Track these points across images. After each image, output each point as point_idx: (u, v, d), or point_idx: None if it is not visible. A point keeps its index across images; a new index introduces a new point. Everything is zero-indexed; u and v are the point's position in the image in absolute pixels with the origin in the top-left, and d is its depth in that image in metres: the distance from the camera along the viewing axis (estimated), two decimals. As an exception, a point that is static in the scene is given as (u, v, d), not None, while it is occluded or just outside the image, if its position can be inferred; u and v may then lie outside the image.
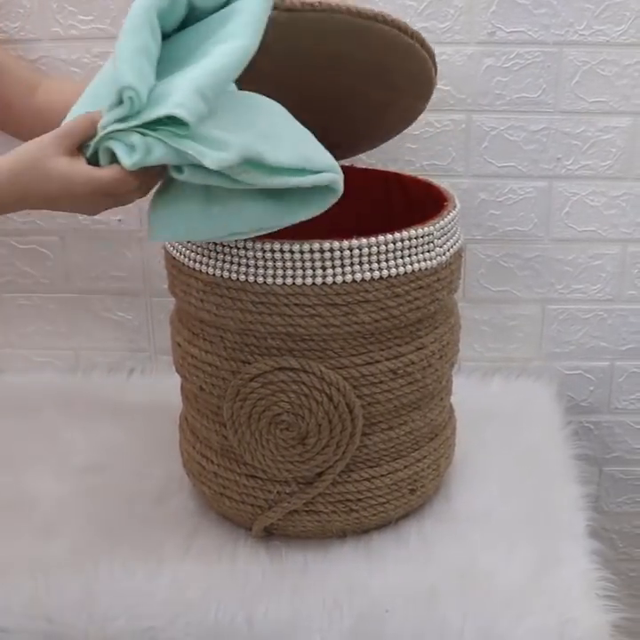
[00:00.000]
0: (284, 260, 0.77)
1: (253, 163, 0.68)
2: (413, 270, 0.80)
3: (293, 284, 0.77)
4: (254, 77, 0.75)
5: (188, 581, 0.83)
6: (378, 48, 0.82)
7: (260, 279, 0.78)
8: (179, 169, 0.68)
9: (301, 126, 0.75)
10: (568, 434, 1.09)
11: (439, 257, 0.82)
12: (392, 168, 1.07)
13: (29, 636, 0.80)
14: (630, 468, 1.26)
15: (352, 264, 0.77)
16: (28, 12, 1.04)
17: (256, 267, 0.77)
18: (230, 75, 0.67)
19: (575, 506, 0.95)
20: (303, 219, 0.74)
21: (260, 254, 0.77)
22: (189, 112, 0.64)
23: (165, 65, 0.70)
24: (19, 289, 1.19)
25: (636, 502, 1.28)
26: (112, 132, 0.66)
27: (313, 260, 0.77)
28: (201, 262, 0.80)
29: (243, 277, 0.78)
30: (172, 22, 0.72)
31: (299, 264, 0.77)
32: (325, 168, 0.72)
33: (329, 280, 0.77)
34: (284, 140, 0.72)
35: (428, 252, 0.81)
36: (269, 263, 0.77)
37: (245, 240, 0.77)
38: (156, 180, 0.72)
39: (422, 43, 0.83)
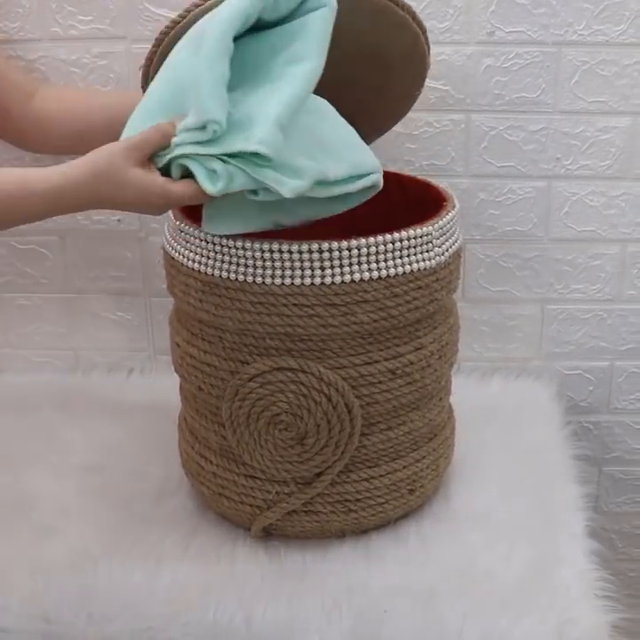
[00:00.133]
0: (282, 261, 0.77)
1: (319, 182, 0.73)
2: (412, 270, 0.80)
3: (292, 284, 0.77)
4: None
5: (186, 581, 0.83)
6: (370, 21, 0.82)
7: (259, 279, 0.78)
8: (254, 192, 0.72)
9: (349, 127, 0.79)
10: (567, 434, 1.08)
11: (438, 257, 0.82)
12: (391, 168, 1.06)
13: (28, 636, 0.80)
14: (630, 468, 1.25)
15: (351, 264, 0.77)
16: (27, 12, 1.04)
17: (255, 267, 0.77)
18: (303, 100, 0.71)
19: (574, 506, 0.95)
20: (345, 209, 0.79)
21: (258, 254, 0.77)
22: (271, 148, 0.68)
23: (234, 72, 0.72)
24: (18, 289, 1.19)
25: (635, 502, 1.28)
26: (191, 154, 0.70)
27: (311, 261, 0.77)
28: (200, 262, 0.80)
29: (241, 277, 0.78)
30: (240, 33, 0.73)
31: (297, 264, 0.77)
32: (371, 170, 0.78)
33: (328, 280, 0.77)
34: (340, 151, 0.76)
35: (427, 252, 0.81)
36: (268, 263, 0.77)
37: (244, 240, 0.77)
38: None
39: (414, 16, 0.84)
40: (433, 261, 0.81)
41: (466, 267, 1.14)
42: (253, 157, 0.69)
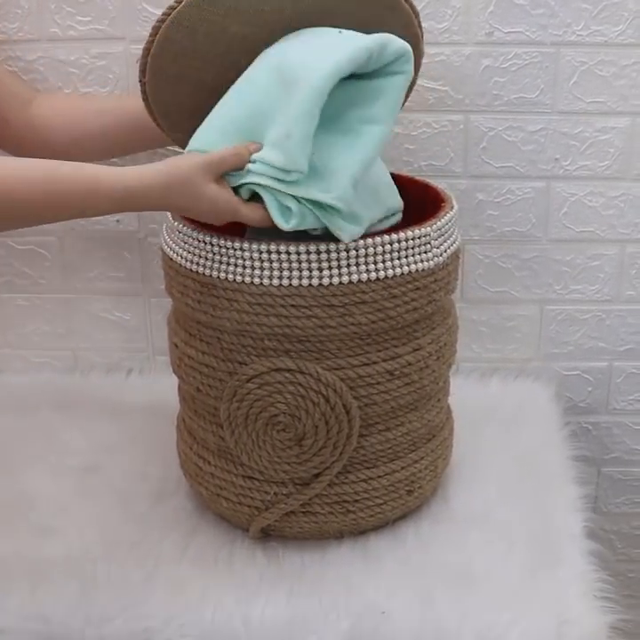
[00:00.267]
0: (280, 262, 0.77)
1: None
2: (410, 271, 0.80)
3: (290, 285, 0.77)
4: (250, 46, 0.82)
5: (184, 582, 0.83)
6: (360, 4, 0.83)
7: (257, 280, 0.78)
8: (315, 229, 0.78)
9: (385, 170, 0.88)
10: (566, 435, 1.08)
11: (436, 258, 0.82)
12: (390, 169, 1.06)
13: (26, 637, 0.80)
14: (629, 469, 1.25)
15: (349, 265, 0.77)
16: (26, 13, 1.04)
17: (252, 268, 0.77)
18: (374, 161, 0.79)
19: (573, 507, 0.95)
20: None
21: (256, 255, 0.77)
22: (345, 204, 0.76)
23: None
24: (17, 289, 1.18)
25: (634, 503, 1.28)
26: (268, 186, 0.76)
27: (309, 262, 0.77)
28: (197, 263, 0.80)
29: (239, 278, 0.78)
30: None
31: (295, 265, 0.77)
32: (396, 210, 0.86)
33: (325, 281, 0.77)
34: (382, 194, 0.85)
35: (425, 253, 0.81)
36: (266, 264, 0.77)
37: (242, 241, 0.78)
38: None
39: None
40: (431, 262, 0.81)
41: (465, 267, 1.14)
42: (327, 207, 0.76)
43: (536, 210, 1.11)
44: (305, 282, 0.77)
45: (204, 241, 0.79)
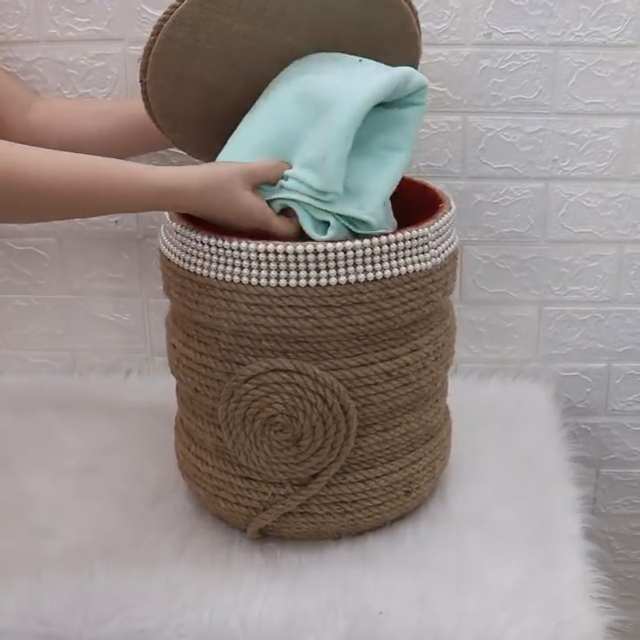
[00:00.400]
0: (277, 262, 0.77)
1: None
2: (408, 272, 0.80)
3: (287, 285, 0.77)
4: (252, 44, 0.83)
5: (182, 583, 0.83)
6: (359, 2, 0.84)
7: (254, 280, 0.78)
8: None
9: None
10: (565, 435, 1.08)
11: (434, 258, 0.82)
12: (388, 169, 1.07)
13: (24, 637, 0.80)
14: (627, 470, 1.25)
15: (346, 266, 0.77)
16: (24, 14, 1.04)
17: (250, 268, 0.77)
18: (396, 184, 0.85)
19: (571, 508, 0.94)
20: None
21: (253, 256, 0.77)
22: (376, 219, 0.82)
23: None
24: (15, 290, 1.19)
25: (633, 504, 1.28)
26: (303, 202, 0.80)
27: (307, 262, 0.77)
28: (195, 264, 0.80)
29: (237, 279, 0.78)
30: None
31: (293, 265, 0.77)
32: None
33: (323, 281, 0.77)
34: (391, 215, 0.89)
35: (423, 253, 0.81)
36: (263, 265, 0.77)
37: (239, 241, 0.78)
38: None
39: None
40: (429, 263, 0.81)
41: (463, 268, 1.14)
42: (360, 222, 0.81)
43: (534, 211, 1.11)
44: (302, 282, 0.77)
45: (201, 241, 0.79)
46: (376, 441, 0.85)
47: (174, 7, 0.80)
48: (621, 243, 1.13)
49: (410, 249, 0.80)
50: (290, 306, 0.78)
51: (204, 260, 0.79)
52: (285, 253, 0.76)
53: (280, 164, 0.82)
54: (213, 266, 0.79)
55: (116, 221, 1.14)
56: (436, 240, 0.82)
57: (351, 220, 0.81)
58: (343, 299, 0.78)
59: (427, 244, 0.81)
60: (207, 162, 0.97)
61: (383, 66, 0.84)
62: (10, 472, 1.00)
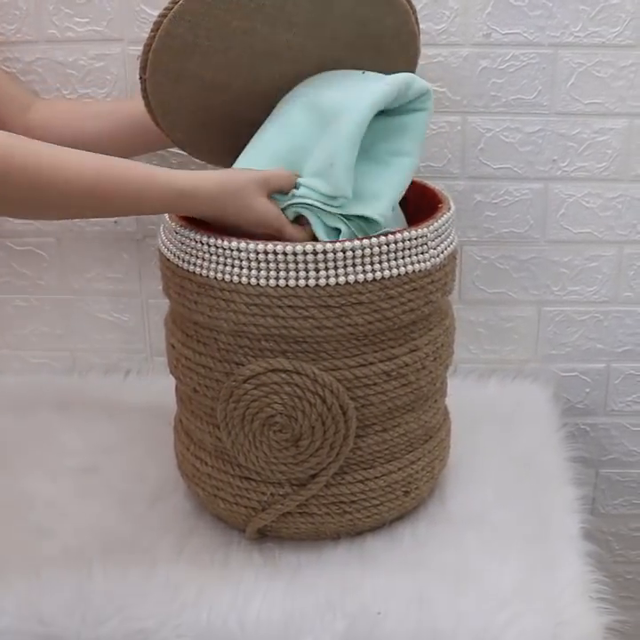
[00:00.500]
0: (277, 262, 0.77)
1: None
2: (407, 272, 0.80)
3: (286, 285, 0.77)
4: (251, 41, 0.83)
5: (181, 583, 0.83)
6: (359, 2, 0.84)
7: (254, 280, 0.78)
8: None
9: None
10: (564, 436, 1.08)
11: (433, 259, 0.82)
12: (388, 170, 1.07)
13: (22, 638, 0.80)
14: (627, 471, 1.25)
15: (345, 266, 0.77)
16: (24, 14, 1.04)
17: (249, 268, 0.77)
18: (405, 188, 0.87)
19: (570, 508, 0.94)
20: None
21: (253, 256, 0.77)
22: (385, 220, 0.84)
23: None
24: (15, 290, 1.19)
25: (632, 504, 1.28)
26: (315, 207, 0.82)
27: (306, 262, 0.77)
28: (194, 264, 0.80)
29: (236, 279, 0.78)
30: None
31: (292, 266, 0.77)
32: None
33: (322, 282, 0.77)
34: (400, 217, 0.92)
35: (422, 254, 0.81)
36: (262, 265, 0.77)
37: (238, 241, 0.78)
38: None
39: None
40: (428, 263, 0.81)
41: (462, 268, 1.14)
42: (369, 222, 0.83)
43: (534, 211, 1.11)
44: (301, 282, 0.77)
45: (200, 241, 0.79)
46: (375, 441, 0.85)
47: (174, 3, 0.80)
48: (621, 243, 1.13)
49: (409, 249, 0.80)
50: (289, 306, 0.78)
51: (204, 260, 0.79)
52: (284, 253, 0.77)
53: (292, 174, 0.84)
54: (212, 266, 0.79)
55: (116, 221, 1.14)
56: (436, 240, 0.82)
57: (361, 222, 0.83)
58: (342, 299, 0.78)
59: (426, 244, 0.81)
60: (206, 161, 0.97)
61: (383, 75, 0.85)
62: (9, 472, 1.00)
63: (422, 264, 0.81)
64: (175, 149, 0.96)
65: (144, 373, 1.21)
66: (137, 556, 0.86)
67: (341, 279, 0.77)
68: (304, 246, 0.77)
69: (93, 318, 1.20)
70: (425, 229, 0.81)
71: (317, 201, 0.82)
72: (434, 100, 1.05)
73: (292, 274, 0.77)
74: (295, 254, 0.77)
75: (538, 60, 1.05)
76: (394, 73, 0.84)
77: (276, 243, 0.77)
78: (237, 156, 0.88)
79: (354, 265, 0.77)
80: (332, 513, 0.86)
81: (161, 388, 1.04)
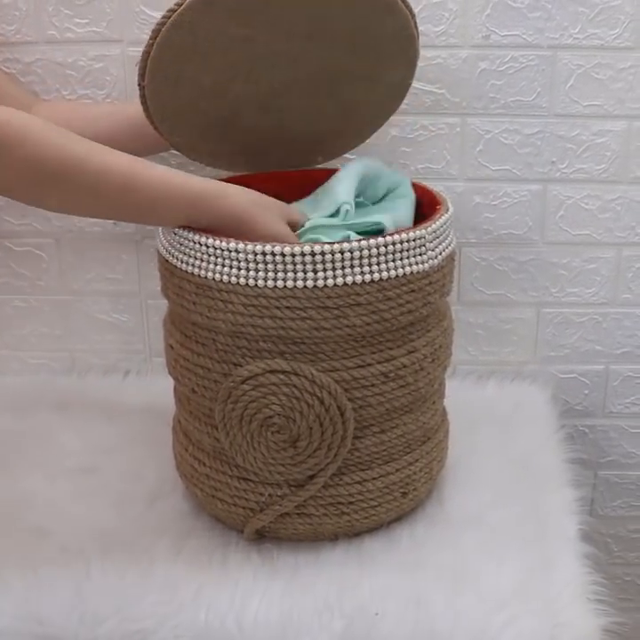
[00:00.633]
0: (275, 263, 0.77)
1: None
2: (405, 273, 0.80)
3: (284, 286, 0.77)
4: (249, 47, 0.84)
5: (179, 583, 0.83)
6: (358, 5, 0.84)
7: (252, 281, 0.78)
8: None
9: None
10: (562, 437, 1.08)
11: (431, 260, 0.82)
12: (386, 171, 1.07)
13: (20, 638, 0.80)
14: (625, 472, 1.25)
15: (343, 267, 0.77)
16: (23, 15, 1.05)
17: (247, 269, 0.78)
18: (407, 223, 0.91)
19: (568, 510, 0.94)
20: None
21: (251, 257, 0.77)
22: (387, 224, 0.87)
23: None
24: (14, 291, 1.19)
25: (631, 506, 1.28)
26: (322, 225, 0.86)
27: (304, 263, 0.77)
28: (193, 265, 0.80)
29: (234, 280, 0.78)
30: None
31: (290, 267, 0.77)
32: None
33: (320, 283, 0.77)
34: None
35: (420, 255, 0.81)
36: (260, 266, 0.77)
37: (237, 242, 0.78)
38: None
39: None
40: (426, 265, 0.81)
41: (461, 270, 1.14)
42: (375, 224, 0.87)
43: (533, 213, 1.12)
44: (299, 283, 0.77)
45: (199, 242, 0.79)
46: (373, 442, 0.85)
47: (172, 11, 0.80)
48: (619, 245, 1.13)
49: (407, 251, 0.80)
50: (287, 307, 0.78)
51: (202, 260, 0.79)
52: (282, 254, 0.77)
53: (304, 214, 0.87)
54: (211, 267, 0.79)
55: (115, 223, 1.14)
56: (434, 242, 0.82)
57: (368, 224, 0.85)
58: (340, 300, 0.78)
59: (424, 245, 0.81)
60: (205, 164, 0.97)
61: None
62: (8, 472, 1.00)
63: (420, 265, 0.81)
64: (174, 153, 0.96)
65: (143, 374, 1.21)
66: (135, 557, 0.86)
67: (339, 280, 0.77)
68: (302, 247, 0.77)
69: (92, 319, 1.20)
70: (423, 231, 0.81)
71: (321, 222, 0.85)
72: (433, 101, 1.07)
73: (290, 275, 0.77)
74: (293, 255, 0.77)
75: (537, 61, 1.05)
76: (393, 76, 0.84)
77: (274, 244, 0.77)
78: (235, 160, 0.88)
79: (352, 266, 0.77)
80: (329, 514, 0.86)
81: (160, 389, 1.04)
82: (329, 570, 0.85)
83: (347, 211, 0.86)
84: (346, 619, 0.80)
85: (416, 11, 0.91)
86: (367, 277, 0.78)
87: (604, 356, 1.19)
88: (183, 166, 1.07)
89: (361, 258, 0.78)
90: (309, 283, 0.77)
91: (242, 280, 0.78)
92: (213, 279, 0.79)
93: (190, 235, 0.80)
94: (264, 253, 0.77)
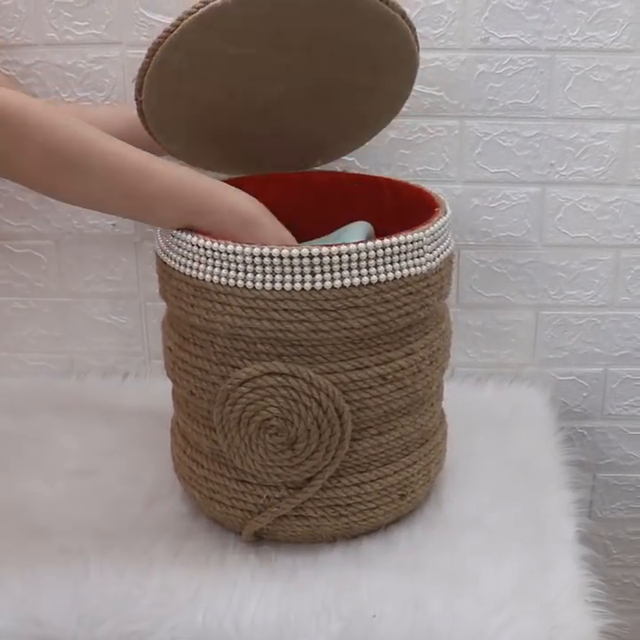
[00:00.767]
0: (273, 265, 0.77)
1: None
2: (403, 276, 0.80)
3: (282, 289, 0.77)
4: (247, 65, 0.83)
5: (176, 585, 0.83)
6: (358, 20, 0.84)
7: (250, 284, 0.78)
8: None
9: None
10: (561, 440, 1.08)
11: (429, 263, 0.82)
12: (385, 173, 1.07)
13: (18, 639, 0.80)
14: (624, 475, 1.25)
15: (341, 270, 0.77)
16: (23, 17, 1.05)
17: (245, 271, 0.78)
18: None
19: (567, 512, 0.94)
20: None
21: (249, 259, 0.77)
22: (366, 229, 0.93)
23: None
24: (13, 293, 1.19)
25: (629, 508, 1.28)
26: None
27: (302, 266, 0.77)
28: (191, 267, 0.80)
29: (232, 282, 0.78)
30: None
31: (288, 269, 0.77)
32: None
33: (318, 285, 0.77)
34: None
35: (418, 257, 0.81)
36: (259, 268, 0.77)
37: (234, 245, 0.78)
38: None
39: (403, 14, 0.85)
40: (424, 267, 0.82)
41: (459, 272, 1.14)
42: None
43: (531, 215, 1.12)
44: (297, 286, 0.77)
45: (196, 245, 0.80)
46: (371, 445, 0.85)
47: (169, 31, 0.80)
48: (618, 247, 1.13)
49: (405, 253, 0.80)
50: (285, 309, 0.78)
51: (200, 263, 0.79)
52: (280, 257, 0.77)
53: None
54: (208, 269, 0.79)
55: (114, 224, 1.14)
56: (432, 244, 0.82)
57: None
58: (338, 302, 0.78)
59: (422, 248, 0.81)
60: (204, 168, 0.97)
61: None
62: (7, 474, 1.00)
63: (418, 268, 0.81)
64: (173, 158, 0.96)
65: (142, 376, 1.21)
66: (133, 558, 0.86)
67: (337, 283, 0.77)
68: (300, 250, 0.77)
69: (91, 321, 1.20)
70: (421, 233, 0.81)
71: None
72: (431, 103, 1.07)
73: (287, 277, 0.77)
74: (291, 258, 0.77)
75: (535, 64, 1.05)
76: (392, 87, 0.84)
77: (272, 246, 0.77)
78: (234, 164, 0.89)
79: (350, 268, 0.77)
80: (327, 516, 0.86)
81: (159, 391, 1.04)
82: (327, 572, 0.85)
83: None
84: (343, 620, 0.80)
85: (415, 13, 0.91)
86: (365, 280, 0.78)
87: (602, 359, 1.19)
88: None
89: (359, 260, 0.78)
90: (307, 285, 0.77)
91: (240, 282, 0.78)
92: (211, 281, 0.79)
93: (188, 237, 0.80)
94: (262, 256, 0.77)
